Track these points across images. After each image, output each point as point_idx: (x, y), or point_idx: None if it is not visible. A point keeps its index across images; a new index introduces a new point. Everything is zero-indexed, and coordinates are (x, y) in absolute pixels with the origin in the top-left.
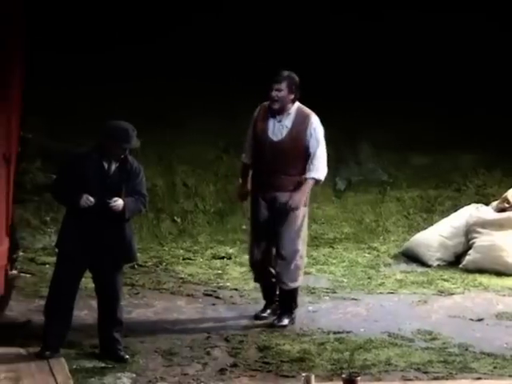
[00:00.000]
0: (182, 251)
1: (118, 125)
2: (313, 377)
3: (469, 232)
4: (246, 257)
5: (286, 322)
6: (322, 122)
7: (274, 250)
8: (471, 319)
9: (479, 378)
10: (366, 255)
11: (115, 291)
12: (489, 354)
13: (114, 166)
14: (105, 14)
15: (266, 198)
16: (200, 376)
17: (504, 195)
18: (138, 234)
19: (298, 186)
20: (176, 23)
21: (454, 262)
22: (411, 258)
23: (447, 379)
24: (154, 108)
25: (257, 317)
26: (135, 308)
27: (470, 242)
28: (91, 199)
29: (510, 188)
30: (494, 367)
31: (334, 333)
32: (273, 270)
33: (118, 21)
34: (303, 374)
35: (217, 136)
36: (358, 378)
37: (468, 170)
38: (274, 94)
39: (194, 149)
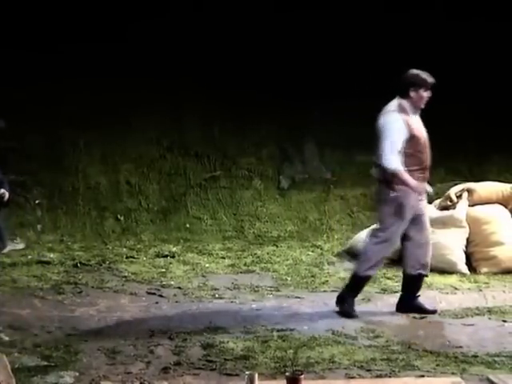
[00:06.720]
0: (125, 250)
1: None
2: (256, 375)
3: None
4: (190, 255)
5: None
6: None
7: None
8: (414, 317)
9: (422, 376)
10: (310, 253)
11: None
12: (431, 352)
13: None
14: (49, 12)
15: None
16: (143, 374)
17: (447, 193)
18: (81, 232)
19: None
20: (123, 21)
21: (397, 260)
22: (355, 256)
23: (390, 377)
24: (97, 107)
25: None
26: (78, 307)
27: None
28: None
29: (452, 186)
30: (437, 365)
31: (278, 330)
32: None
33: (63, 19)
34: (246, 373)
35: (160, 135)
36: (302, 376)
37: None
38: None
39: (137, 147)
